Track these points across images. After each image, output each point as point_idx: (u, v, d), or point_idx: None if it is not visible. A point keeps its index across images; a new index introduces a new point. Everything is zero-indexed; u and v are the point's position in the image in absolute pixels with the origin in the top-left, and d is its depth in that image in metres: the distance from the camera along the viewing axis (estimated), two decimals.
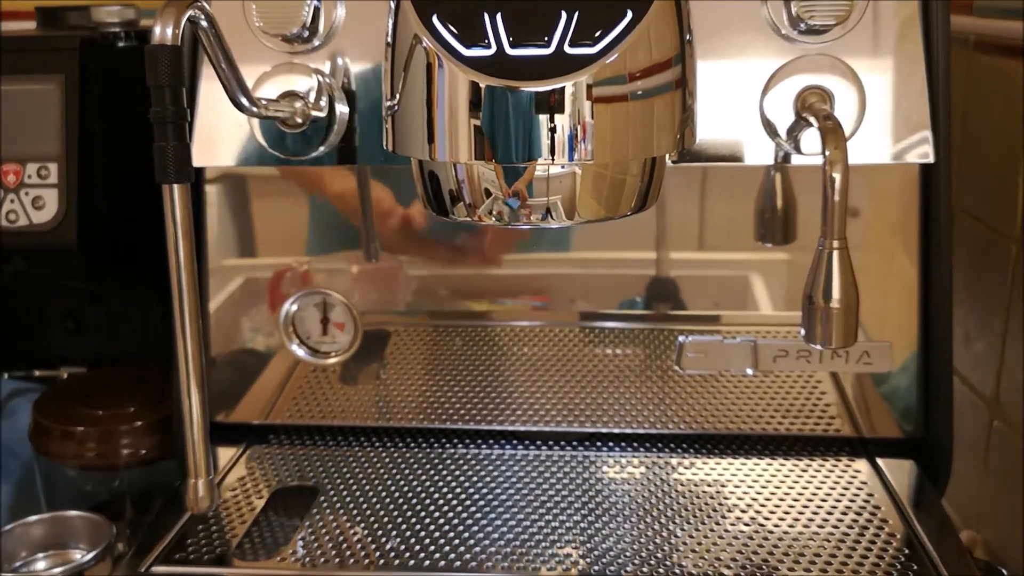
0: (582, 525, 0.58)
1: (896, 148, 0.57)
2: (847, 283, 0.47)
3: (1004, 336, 0.67)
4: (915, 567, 0.53)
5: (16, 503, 0.78)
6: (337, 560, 0.55)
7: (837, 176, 0.47)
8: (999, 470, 0.68)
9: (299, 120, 0.59)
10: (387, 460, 0.66)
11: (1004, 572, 0.62)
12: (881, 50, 0.56)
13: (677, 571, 0.53)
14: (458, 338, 0.69)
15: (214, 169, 0.65)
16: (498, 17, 0.45)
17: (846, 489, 0.61)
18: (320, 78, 0.59)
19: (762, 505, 0.60)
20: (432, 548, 0.56)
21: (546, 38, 0.45)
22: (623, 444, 0.67)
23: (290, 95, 0.59)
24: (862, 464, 0.64)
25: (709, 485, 0.62)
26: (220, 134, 0.62)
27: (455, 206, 0.51)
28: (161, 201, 0.44)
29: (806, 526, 0.57)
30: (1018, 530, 0.64)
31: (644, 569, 0.53)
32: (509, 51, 0.46)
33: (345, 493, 0.62)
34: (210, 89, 0.61)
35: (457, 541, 0.56)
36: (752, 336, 0.65)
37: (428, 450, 0.67)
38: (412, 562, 0.55)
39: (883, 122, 0.57)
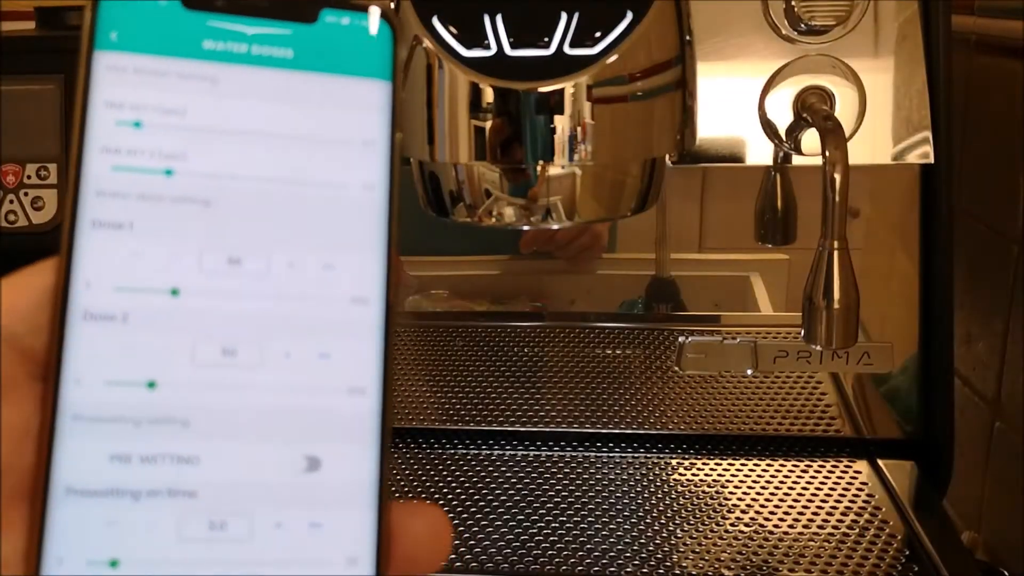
0: (582, 525, 0.58)
1: (896, 148, 0.57)
2: (847, 284, 0.47)
3: (1005, 337, 0.67)
4: (916, 568, 0.53)
5: None
6: None
7: (837, 177, 0.47)
8: (1000, 471, 0.68)
9: None
10: None
11: (1005, 573, 0.62)
12: (881, 50, 0.56)
13: (677, 571, 0.53)
14: (459, 338, 0.69)
15: None
16: (498, 18, 0.45)
17: (846, 490, 0.61)
18: None
19: (762, 506, 0.60)
20: None
21: (546, 39, 0.45)
22: (623, 445, 0.67)
23: None
24: (862, 465, 0.64)
25: (709, 486, 0.62)
26: None
27: (455, 207, 0.51)
28: None
29: (806, 527, 0.57)
30: (1019, 531, 0.64)
31: (644, 569, 0.53)
32: (509, 52, 0.46)
33: None
34: None
35: (457, 541, 0.56)
36: (752, 337, 0.65)
37: (428, 451, 0.67)
38: None
39: (883, 122, 0.57)
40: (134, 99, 0.21)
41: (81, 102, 0.21)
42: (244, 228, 0.22)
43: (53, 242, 0.21)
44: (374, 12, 0.23)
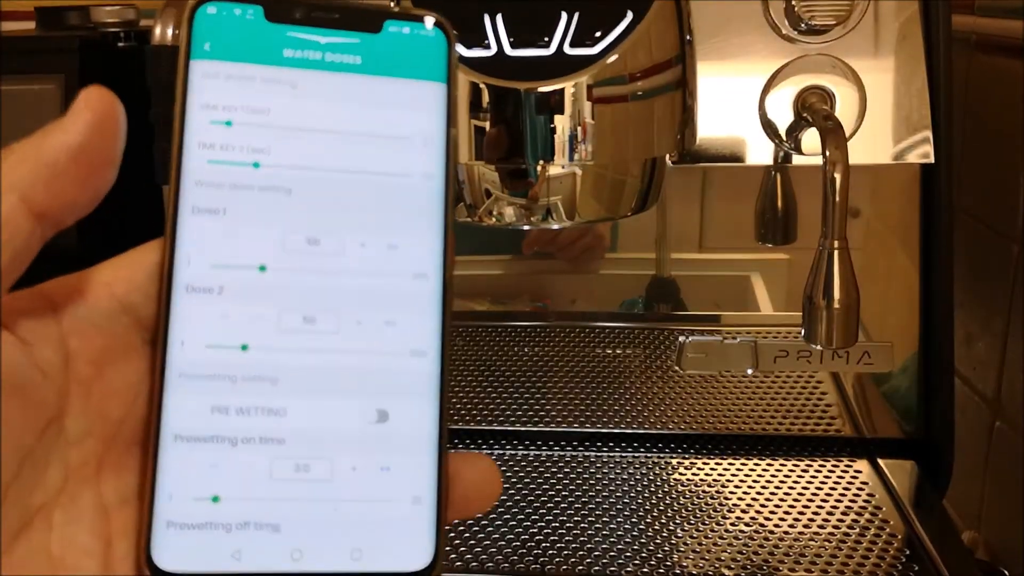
0: (582, 525, 0.58)
1: (897, 148, 0.57)
2: (847, 283, 0.47)
3: (1005, 336, 0.67)
4: (916, 568, 0.53)
5: None
6: None
7: (837, 176, 0.47)
8: (1000, 471, 0.68)
9: None
10: None
11: (1006, 573, 0.62)
12: (882, 50, 0.56)
13: (677, 571, 0.53)
14: (459, 338, 0.69)
15: None
16: (498, 18, 0.45)
17: (847, 489, 0.61)
18: None
19: (763, 505, 0.60)
20: None
21: (546, 39, 0.45)
22: (623, 444, 0.67)
23: None
24: (863, 464, 0.64)
25: (709, 485, 0.62)
26: None
27: (455, 207, 0.51)
28: (161, 202, 0.44)
29: (807, 526, 0.57)
30: (1020, 531, 0.64)
31: (644, 569, 0.53)
32: (509, 52, 0.46)
33: None
34: None
35: (458, 541, 0.56)
36: (752, 336, 0.65)
37: None
38: None
39: (884, 122, 0.57)
40: (225, 101, 0.24)
41: (180, 104, 0.24)
42: (321, 213, 0.25)
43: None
44: (431, 22, 0.26)
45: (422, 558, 0.24)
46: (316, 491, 0.23)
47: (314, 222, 0.24)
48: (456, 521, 0.58)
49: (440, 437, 0.24)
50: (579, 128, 0.46)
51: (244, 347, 0.24)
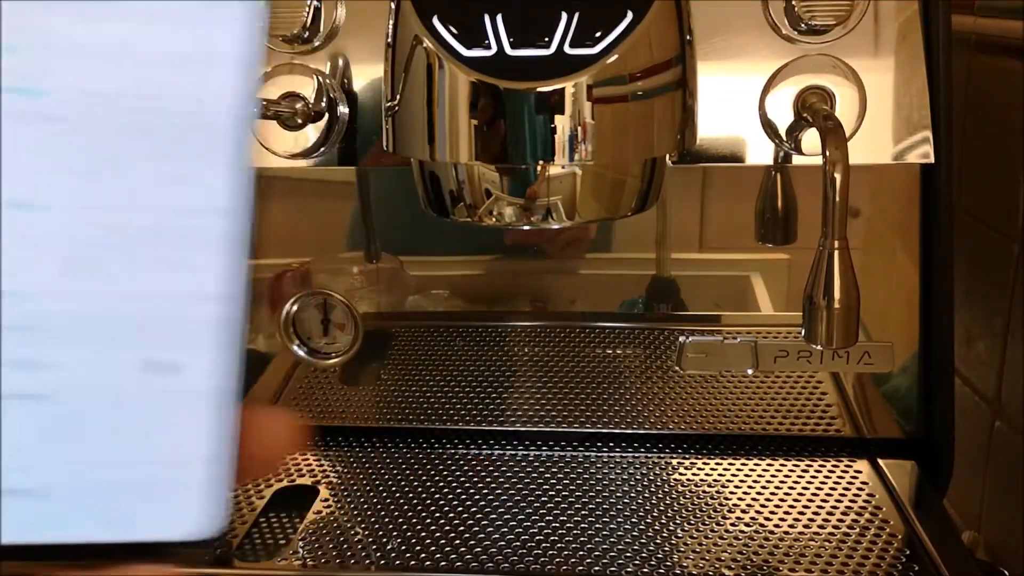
0: (582, 525, 0.58)
1: (897, 148, 0.57)
2: (848, 283, 0.47)
3: (1005, 336, 0.67)
4: (916, 568, 0.53)
5: None
6: (338, 560, 0.55)
7: (838, 176, 0.47)
8: (1001, 471, 0.68)
9: (300, 121, 0.59)
10: (387, 460, 0.66)
11: (1006, 573, 0.62)
12: (882, 50, 0.56)
13: (677, 571, 0.53)
14: (459, 338, 0.69)
15: None
16: (499, 18, 0.45)
17: (847, 490, 0.61)
18: (320, 79, 0.59)
19: (763, 505, 0.60)
20: (433, 548, 0.56)
21: (547, 39, 0.45)
22: (623, 444, 0.67)
23: (291, 96, 0.60)
24: (863, 465, 0.64)
25: (709, 485, 0.62)
26: None
27: (455, 207, 0.51)
28: None
29: (807, 527, 0.57)
30: (1020, 531, 0.64)
31: (644, 569, 0.53)
32: (510, 52, 0.46)
33: (346, 493, 0.62)
34: None
35: (458, 541, 0.56)
36: (753, 336, 0.65)
37: (428, 450, 0.67)
38: (413, 562, 0.55)
39: (884, 122, 0.57)
40: (6, 23, 0.22)
41: None
42: (102, 144, 0.22)
43: None
44: None
45: (202, 523, 0.22)
46: (83, 453, 0.22)
47: (94, 154, 0.22)
48: (455, 520, 0.58)
49: (226, 391, 0.22)
50: (579, 128, 0.46)
51: (9, 293, 0.22)
